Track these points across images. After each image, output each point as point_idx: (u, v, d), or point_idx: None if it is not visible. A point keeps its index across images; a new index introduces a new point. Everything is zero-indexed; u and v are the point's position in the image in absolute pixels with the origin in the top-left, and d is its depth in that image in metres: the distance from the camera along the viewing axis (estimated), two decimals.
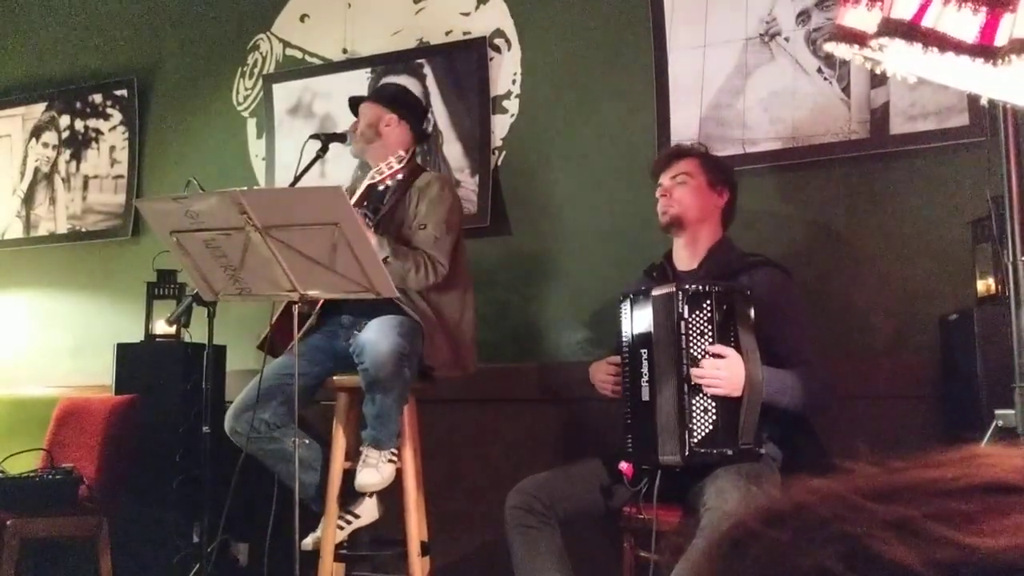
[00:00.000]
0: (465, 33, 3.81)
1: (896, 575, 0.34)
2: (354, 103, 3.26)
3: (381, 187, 2.99)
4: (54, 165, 4.67)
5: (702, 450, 2.30)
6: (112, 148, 4.53)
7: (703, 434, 2.31)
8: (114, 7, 4.63)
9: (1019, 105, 1.64)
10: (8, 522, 3.12)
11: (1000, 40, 1.36)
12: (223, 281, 2.58)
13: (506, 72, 3.73)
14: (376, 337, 2.75)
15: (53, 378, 4.38)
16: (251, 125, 4.23)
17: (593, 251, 3.49)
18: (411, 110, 3.22)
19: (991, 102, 1.70)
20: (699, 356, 2.32)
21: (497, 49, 3.75)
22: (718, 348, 2.31)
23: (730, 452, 2.29)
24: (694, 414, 2.31)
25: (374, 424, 2.80)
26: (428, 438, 3.07)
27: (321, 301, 2.98)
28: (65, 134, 4.67)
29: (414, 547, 2.89)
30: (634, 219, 3.33)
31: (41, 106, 4.75)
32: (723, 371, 2.29)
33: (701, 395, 2.32)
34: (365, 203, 2.95)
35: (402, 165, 2.91)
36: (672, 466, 2.35)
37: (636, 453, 2.43)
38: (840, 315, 3.08)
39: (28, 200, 4.71)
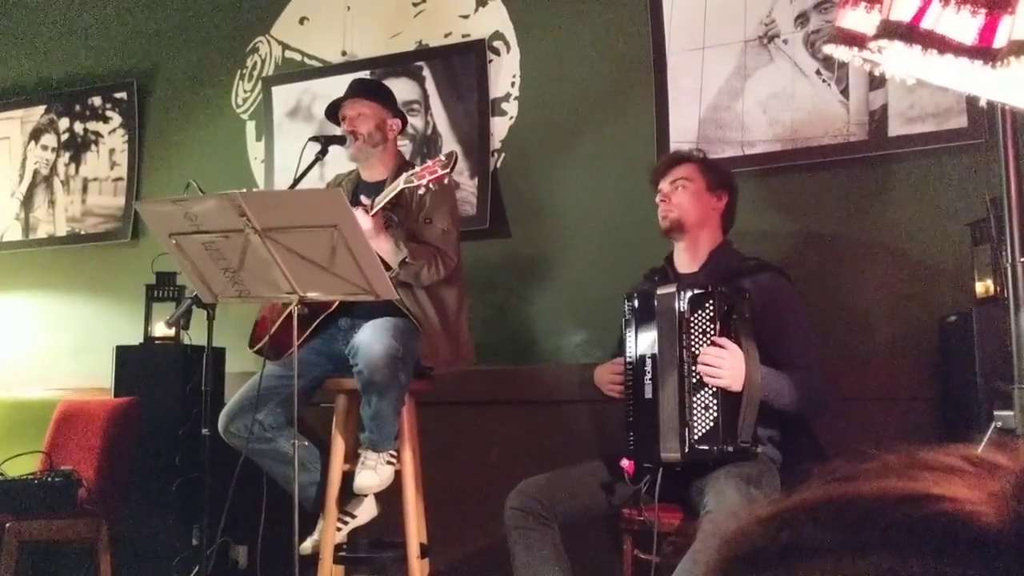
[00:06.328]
0: (464, 35, 3.81)
1: None
2: (352, 94, 3.12)
3: (421, 190, 2.74)
4: (53, 168, 4.67)
5: (702, 447, 2.33)
6: (111, 151, 4.53)
7: (703, 431, 2.34)
8: (113, 10, 4.63)
9: (1018, 107, 1.65)
10: (7, 524, 3.12)
11: (999, 42, 1.36)
12: (222, 283, 2.58)
13: (505, 74, 3.73)
14: (370, 339, 2.75)
15: (52, 380, 4.38)
16: (250, 127, 4.23)
17: (592, 253, 3.49)
18: (403, 115, 3.23)
19: (990, 104, 1.71)
20: (700, 355, 2.35)
21: (496, 51, 3.75)
22: (720, 340, 2.33)
23: (730, 449, 2.31)
24: (695, 411, 2.34)
25: (370, 427, 2.80)
26: (428, 440, 3.07)
27: (323, 316, 2.96)
28: (64, 136, 4.67)
29: (413, 549, 2.89)
30: (633, 221, 3.33)
31: (40, 108, 4.74)
32: (725, 359, 2.30)
33: (702, 392, 2.34)
34: (384, 204, 2.82)
35: (447, 171, 2.68)
36: (672, 463, 2.37)
37: (637, 450, 2.45)
38: (839, 317, 3.08)
39: (27, 203, 4.71)
